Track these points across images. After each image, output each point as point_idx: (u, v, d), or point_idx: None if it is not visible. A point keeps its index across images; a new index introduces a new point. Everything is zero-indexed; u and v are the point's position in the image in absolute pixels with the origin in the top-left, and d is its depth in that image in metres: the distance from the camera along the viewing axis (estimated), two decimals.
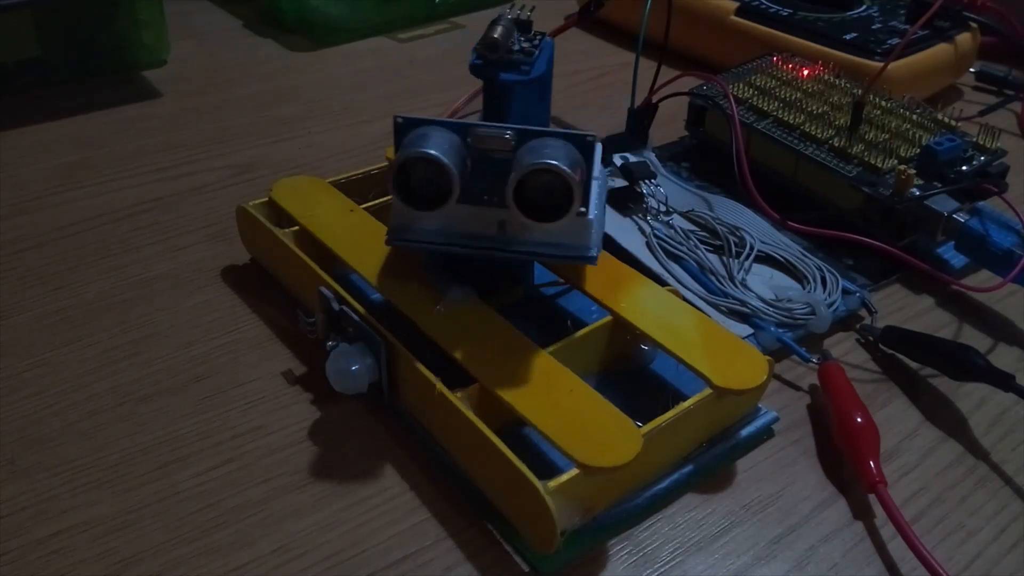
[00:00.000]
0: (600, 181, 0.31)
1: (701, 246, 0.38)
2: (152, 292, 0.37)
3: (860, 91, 0.43)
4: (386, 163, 0.41)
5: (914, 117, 0.43)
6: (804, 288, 0.37)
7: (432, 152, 0.27)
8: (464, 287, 0.31)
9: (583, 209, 0.28)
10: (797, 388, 0.34)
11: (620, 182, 0.41)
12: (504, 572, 0.27)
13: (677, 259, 0.38)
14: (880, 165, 0.40)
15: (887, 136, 0.41)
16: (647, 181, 0.41)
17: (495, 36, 0.29)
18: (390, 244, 0.30)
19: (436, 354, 0.30)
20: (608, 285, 0.33)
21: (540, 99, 0.32)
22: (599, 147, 0.32)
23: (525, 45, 0.30)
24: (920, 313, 0.38)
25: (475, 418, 0.27)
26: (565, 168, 0.26)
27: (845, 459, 0.30)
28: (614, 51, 0.61)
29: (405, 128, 0.28)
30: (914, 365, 0.35)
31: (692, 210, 0.41)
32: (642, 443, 0.26)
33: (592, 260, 0.29)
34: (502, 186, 0.28)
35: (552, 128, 0.28)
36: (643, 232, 0.39)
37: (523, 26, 0.31)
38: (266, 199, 0.38)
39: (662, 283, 0.35)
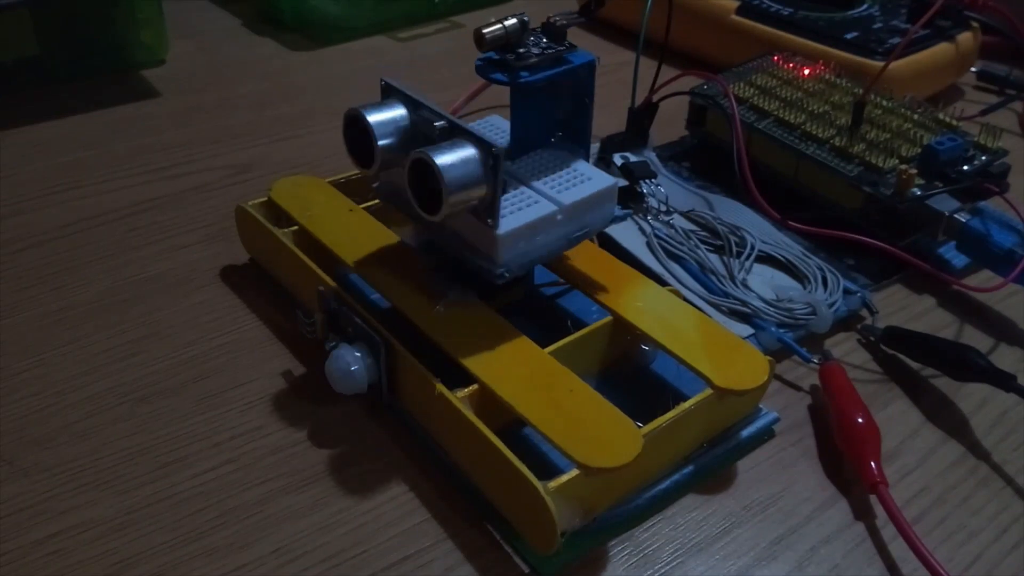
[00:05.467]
0: (544, 206, 0.30)
1: (702, 246, 0.38)
2: (151, 292, 0.37)
3: (861, 90, 0.43)
4: None
5: (915, 116, 0.43)
6: (805, 288, 0.37)
7: (365, 114, 0.29)
8: (464, 287, 0.31)
9: (491, 220, 0.28)
10: (798, 388, 0.34)
11: (620, 182, 0.41)
12: (504, 573, 0.27)
13: (678, 259, 0.38)
14: (881, 165, 0.39)
15: (888, 135, 0.41)
16: (647, 181, 0.41)
17: (483, 31, 0.29)
18: (373, 190, 0.32)
19: (436, 354, 0.30)
20: (608, 285, 0.33)
21: (540, 107, 0.31)
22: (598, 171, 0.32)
23: (535, 51, 0.30)
24: (921, 313, 0.38)
25: (475, 419, 0.27)
26: (436, 161, 0.27)
27: (846, 460, 0.30)
28: (614, 50, 0.61)
29: (385, 92, 0.30)
30: (915, 365, 0.35)
31: (693, 210, 0.41)
32: (642, 443, 0.26)
33: (497, 277, 0.29)
34: None
35: (472, 129, 0.28)
36: (643, 232, 0.39)
37: (555, 33, 0.30)
38: (265, 199, 0.38)
39: (663, 283, 0.35)
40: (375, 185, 0.32)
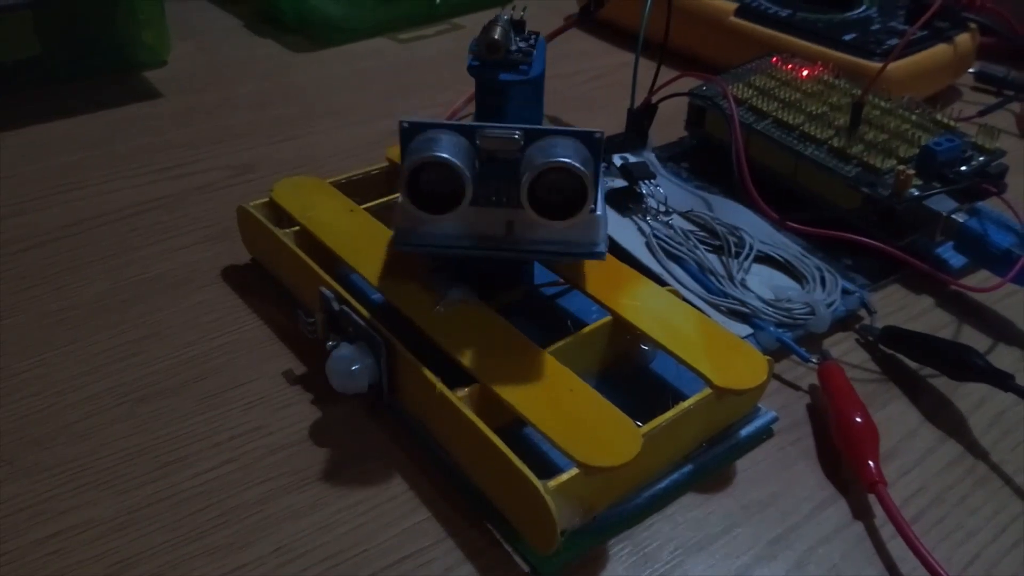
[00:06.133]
0: (601, 178, 0.31)
1: (701, 246, 0.38)
2: (152, 292, 0.37)
3: (859, 91, 0.43)
4: (386, 163, 0.41)
5: (913, 117, 0.43)
6: (803, 288, 0.37)
7: (444, 155, 0.27)
8: (464, 287, 0.31)
9: (593, 206, 0.28)
10: (797, 388, 0.34)
11: (620, 182, 0.41)
12: (504, 572, 0.27)
13: (677, 259, 0.38)
14: (879, 165, 0.40)
15: (886, 136, 0.41)
16: (647, 181, 0.41)
17: (496, 37, 0.29)
18: (397, 249, 0.30)
19: (436, 354, 0.30)
20: (608, 285, 0.33)
21: (536, 99, 0.32)
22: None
23: (522, 45, 0.30)
24: (919, 313, 0.38)
25: (475, 418, 0.27)
26: (579, 166, 0.27)
27: (845, 459, 0.30)
28: (614, 51, 0.61)
29: (411, 132, 0.28)
30: (913, 365, 0.35)
31: (692, 210, 0.41)
32: (642, 443, 0.26)
33: (601, 256, 0.30)
34: (509, 186, 0.28)
35: (557, 127, 0.28)
36: (643, 232, 0.39)
37: (517, 26, 0.31)
38: (266, 199, 0.38)
39: (662, 283, 0.35)
40: (405, 244, 0.30)
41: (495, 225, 0.29)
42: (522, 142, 0.28)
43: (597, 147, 0.28)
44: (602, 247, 0.30)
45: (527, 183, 0.27)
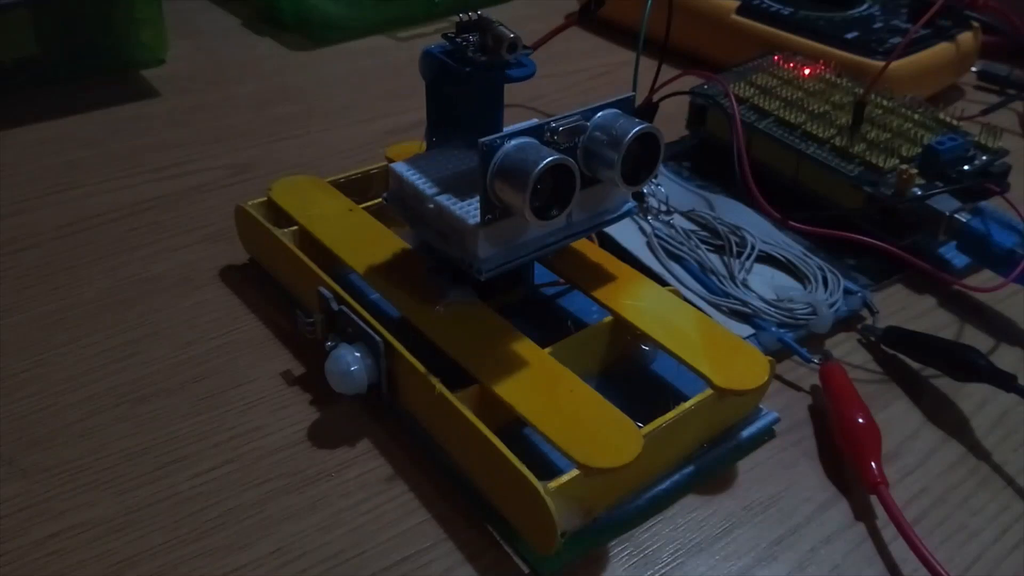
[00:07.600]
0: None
1: (702, 246, 0.38)
2: (150, 292, 0.37)
3: (862, 90, 0.43)
4: (385, 162, 0.41)
5: (916, 116, 0.43)
6: (805, 288, 0.37)
7: (562, 160, 0.27)
8: (464, 287, 0.31)
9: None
10: (798, 389, 0.34)
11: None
12: (504, 574, 0.27)
13: (678, 259, 0.38)
14: (882, 164, 0.39)
15: (889, 135, 0.41)
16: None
17: (511, 36, 0.29)
18: (489, 277, 0.29)
19: (436, 354, 0.30)
20: (609, 285, 0.33)
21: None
22: None
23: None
24: (922, 313, 0.38)
25: (475, 419, 0.27)
26: (656, 128, 0.29)
27: (846, 460, 0.30)
28: (614, 50, 0.61)
29: (493, 148, 0.28)
30: (916, 366, 0.35)
31: (693, 210, 0.41)
32: (643, 444, 0.26)
33: (634, 209, 0.32)
34: None
35: (594, 104, 0.29)
36: (644, 232, 0.39)
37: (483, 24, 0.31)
38: (265, 199, 0.38)
39: (663, 283, 0.35)
40: (492, 269, 0.29)
41: (560, 216, 0.29)
42: (577, 125, 0.29)
43: (631, 108, 0.30)
44: (631, 203, 0.32)
45: (620, 156, 0.28)
